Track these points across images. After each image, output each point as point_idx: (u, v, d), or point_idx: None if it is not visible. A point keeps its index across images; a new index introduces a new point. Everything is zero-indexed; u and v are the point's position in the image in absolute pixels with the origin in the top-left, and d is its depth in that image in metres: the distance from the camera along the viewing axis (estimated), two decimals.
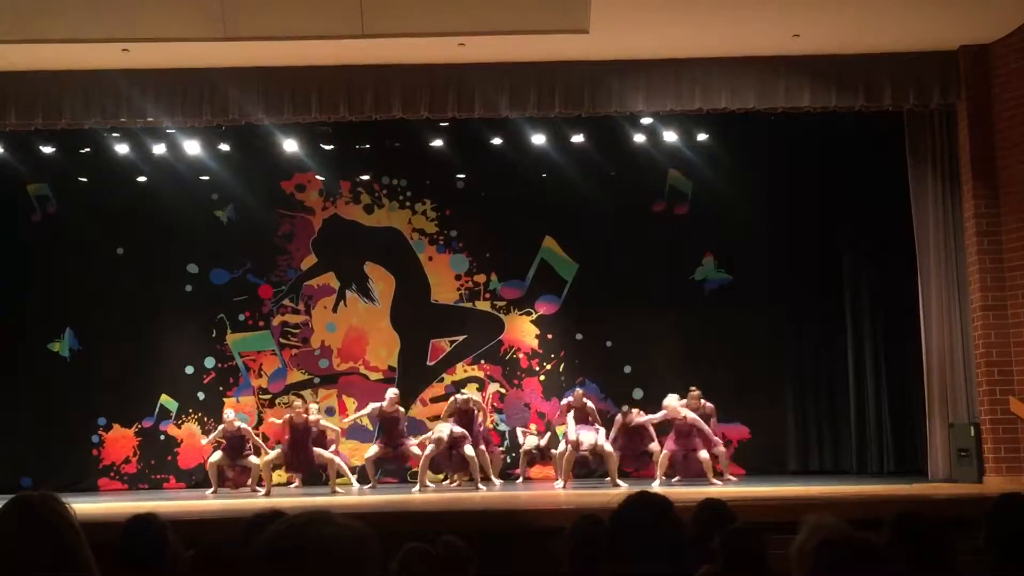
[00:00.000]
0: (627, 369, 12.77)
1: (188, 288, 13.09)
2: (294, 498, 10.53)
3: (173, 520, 3.83)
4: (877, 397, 12.16)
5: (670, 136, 12.07)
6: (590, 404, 11.31)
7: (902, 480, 10.28)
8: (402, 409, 11.78)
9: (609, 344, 12.99)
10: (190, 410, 12.87)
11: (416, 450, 11.40)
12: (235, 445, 11.52)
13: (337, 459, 11.49)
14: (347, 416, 12.60)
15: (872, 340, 12.28)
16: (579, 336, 13.10)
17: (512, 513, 7.46)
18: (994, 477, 9.56)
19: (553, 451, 11.66)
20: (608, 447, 10.88)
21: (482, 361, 13.12)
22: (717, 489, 9.75)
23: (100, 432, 12.81)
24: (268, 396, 12.97)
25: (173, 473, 12.83)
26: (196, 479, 12.70)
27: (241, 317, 13.10)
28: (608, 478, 10.98)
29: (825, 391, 12.68)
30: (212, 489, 11.40)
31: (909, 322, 11.02)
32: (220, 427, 11.70)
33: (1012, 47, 9.80)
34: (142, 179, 12.83)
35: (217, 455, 11.47)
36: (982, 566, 3.32)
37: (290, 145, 12.17)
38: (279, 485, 12.41)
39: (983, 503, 3.41)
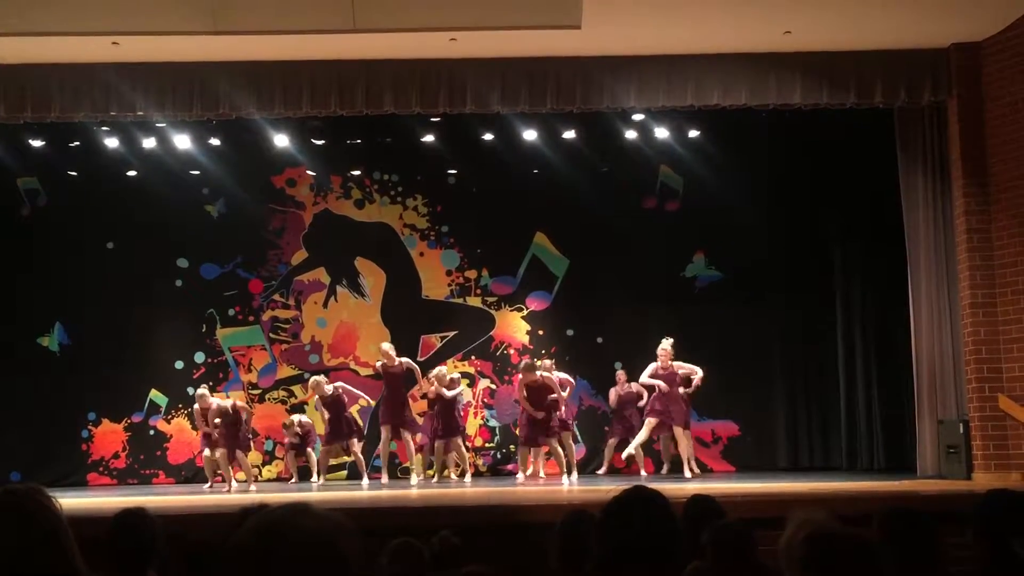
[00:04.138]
0: (618, 365, 12.76)
1: (178, 282, 13.06)
2: (287, 493, 10.51)
3: (162, 515, 3.82)
4: (867, 394, 12.18)
5: (662, 132, 12.08)
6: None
7: (891, 476, 10.31)
8: (401, 361, 11.56)
9: (600, 340, 12.99)
10: (180, 405, 12.84)
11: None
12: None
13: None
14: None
15: (862, 337, 12.30)
16: (570, 332, 13.11)
17: (502, 508, 7.46)
18: (982, 474, 9.59)
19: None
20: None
21: (472, 357, 13.12)
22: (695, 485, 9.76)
23: (89, 427, 12.77)
24: (258, 391, 12.94)
25: (162, 468, 12.80)
26: (186, 474, 12.68)
27: (231, 312, 13.07)
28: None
29: (815, 388, 12.71)
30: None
31: (899, 319, 11.05)
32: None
33: (1003, 45, 9.82)
34: (132, 173, 12.78)
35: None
36: (970, 561, 3.33)
37: (281, 140, 12.14)
38: (272, 480, 12.42)
39: (971, 499, 3.42)
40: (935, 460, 10.22)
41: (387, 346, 11.72)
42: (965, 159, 9.98)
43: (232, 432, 11.16)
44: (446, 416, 11.38)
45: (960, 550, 3.48)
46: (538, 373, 11.02)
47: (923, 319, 10.46)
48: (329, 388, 11.46)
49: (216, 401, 11.36)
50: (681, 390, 11.18)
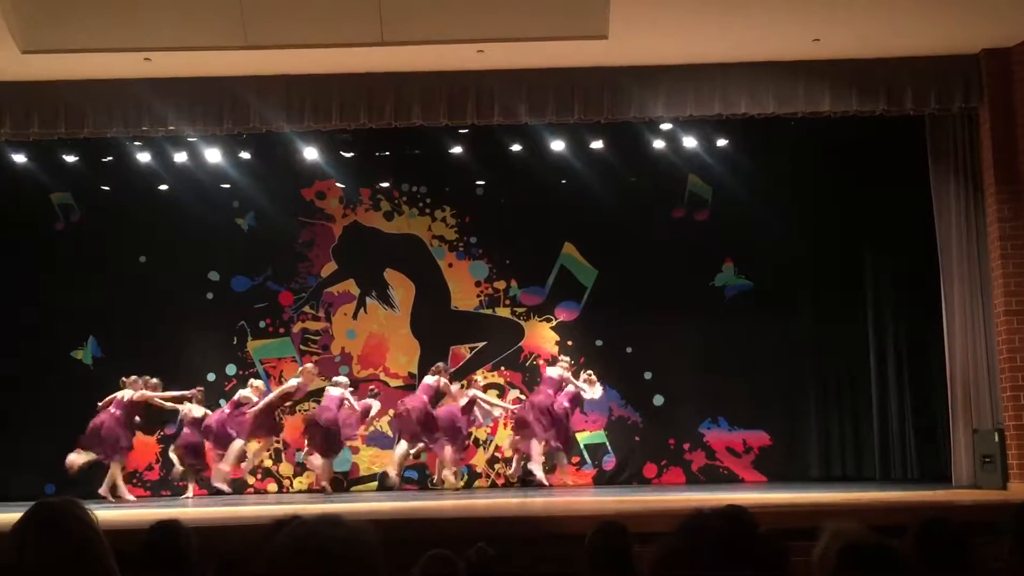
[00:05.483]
0: (647, 375, 12.74)
1: (209, 295, 13.16)
2: (319, 504, 10.54)
3: (196, 527, 3.85)
4: (900, 403, 12.08)
5: (690, 141, 12.06)
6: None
7: (926, 487, 10.20)
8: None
9: (629, 350, 12.96)
10: None
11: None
12: None
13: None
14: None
15: (895, 345, 12.21)
16: (599, 342, 13.08)
17: (531, 519, 7.44)
18: (1019, 483, 9.46)
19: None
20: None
21: (502, 368, 13.12)
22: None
23: None
24: (288, 403, 12.98)
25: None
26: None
27: (262, 324, 13.16)
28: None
29: (847, 397, 12.61)
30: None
31: (932, 327, 10.94)
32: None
33: None
34: (164, 187, 12.92)
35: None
36: (1006, 572, 3.29)
37: (310, 153, 12.23)
38: (304, 492, 12.44)
39: (1008, 509, 3.38)
40: (970, 470, 10.09)
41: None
42: (997, 165, 9.88)
43: None
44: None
45: (996, 561, 3.44)
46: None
47: (956, 327, 10.35)
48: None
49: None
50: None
